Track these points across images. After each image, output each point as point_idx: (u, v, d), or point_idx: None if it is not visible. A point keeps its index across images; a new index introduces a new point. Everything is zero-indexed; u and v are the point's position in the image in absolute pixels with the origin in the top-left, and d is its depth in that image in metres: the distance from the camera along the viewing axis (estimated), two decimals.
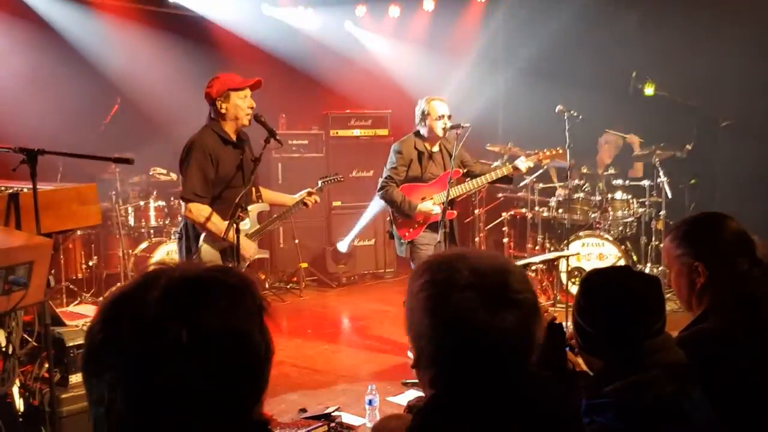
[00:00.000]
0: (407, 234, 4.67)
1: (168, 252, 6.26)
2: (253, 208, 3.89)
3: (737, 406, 1.62)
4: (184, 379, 0.88)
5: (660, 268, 6.00)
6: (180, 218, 6.44)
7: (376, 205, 6.73)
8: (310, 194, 4.05)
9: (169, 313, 0.89)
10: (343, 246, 7.25)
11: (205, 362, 0.89)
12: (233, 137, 3.81)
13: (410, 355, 3.97)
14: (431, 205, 4.60)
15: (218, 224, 3.62)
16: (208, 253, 3.71)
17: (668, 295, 1.96)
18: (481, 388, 1.17)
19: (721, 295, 1.83)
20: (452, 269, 1.20)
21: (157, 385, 0.88)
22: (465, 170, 4.76)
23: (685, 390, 1.48)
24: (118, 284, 6.01)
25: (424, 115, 4.65)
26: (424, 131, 4.70)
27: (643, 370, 1.49)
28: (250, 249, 3.80)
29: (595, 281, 1.67)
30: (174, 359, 0.88)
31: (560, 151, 4.97)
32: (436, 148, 4.74)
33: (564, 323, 1.81)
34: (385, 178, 4.69)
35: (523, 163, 4.63)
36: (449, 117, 4.64)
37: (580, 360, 1.79)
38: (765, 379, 1.69)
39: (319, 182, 4.22)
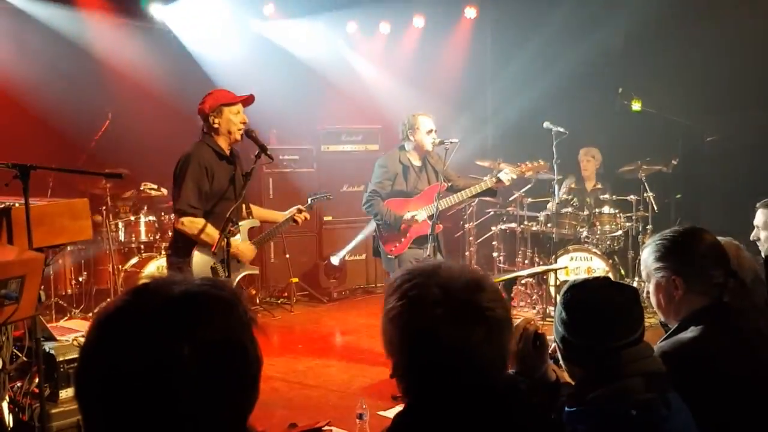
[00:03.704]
0: (393, 249, 4.69)
1: (158, 267, 6.25)
2: (244, 224, 3.92)
3: (714, 414, 1.66)
4: (186, 393, 0.89)
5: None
6: (171, 234, 6.48)
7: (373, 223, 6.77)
8: (300, 211, 4.09)
9: (169, 330, 0.90)
10: (335, 259, 7.28)
11: (207, 375, 0.91)
12: (227, 152, 3.86)
13: None
14: (415, 211, 4.62)
15: (212, 235, 3.64)
16: (199, 262, 3.72)
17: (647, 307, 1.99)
18: (450, 399, 1.22)
19: (697, 307, 1.88)
20: (423, 285, 1.26)
21: (159, 400, 0.89)
22: (449, 184, 4.79)
23: (663, 398, 1.52)
24: (109, 299, 6.00)
25: (413, 130, 4.70)
26: (409, 146, 4.75)
27: (622, 379, 1.53)
28: (248, 251, 3.86)
29: (575, 291, 1.71)
30: (177, 375, 0.89)
31: (543, 164, 5.03)
32: (420, 163, 4.79)
33: (548, 335, 1.84)
34: (370, 192, 4.73)
35: (505, 176, 4.66)
36: (435, 132, 4.70)
37: (564, 374, 1.83)
38: (741, 388, 1.74)
39: (309, 200, 4.25)
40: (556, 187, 6.15)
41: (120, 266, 6.28)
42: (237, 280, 3.87)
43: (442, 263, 1.32)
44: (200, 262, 3.73)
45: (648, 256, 1.98)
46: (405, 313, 1.25)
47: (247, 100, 3.86)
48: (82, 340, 0.98)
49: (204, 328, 0.93)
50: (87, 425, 0.93)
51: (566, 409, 1.55)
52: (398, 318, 1.26)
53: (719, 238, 2.22)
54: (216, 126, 3.79)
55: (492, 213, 7.20)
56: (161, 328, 0.91)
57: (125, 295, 0.97)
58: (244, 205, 3.96)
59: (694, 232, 1.99)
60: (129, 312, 0.93)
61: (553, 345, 1.79)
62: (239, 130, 3.80)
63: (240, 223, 3.85)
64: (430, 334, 1.21)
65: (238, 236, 3.82)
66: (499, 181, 4.66)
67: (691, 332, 1.85)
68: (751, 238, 3.38)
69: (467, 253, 7.21)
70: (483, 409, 1.22)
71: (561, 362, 1.73)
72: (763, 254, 3.30)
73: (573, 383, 1.71)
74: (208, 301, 0.97)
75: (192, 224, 3.69)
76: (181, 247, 3.79)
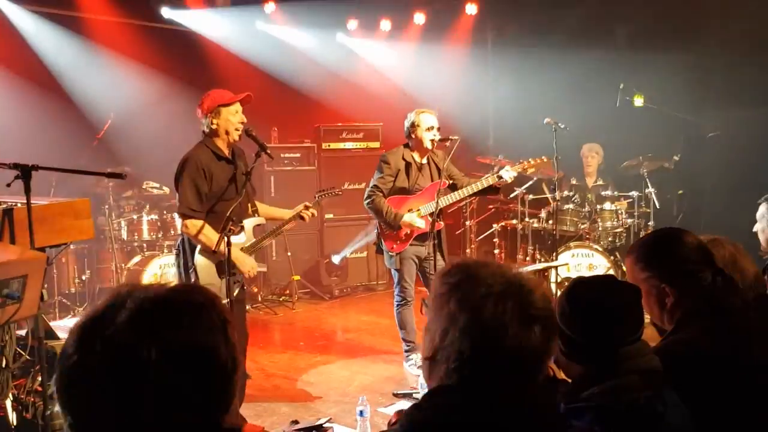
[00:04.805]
0: (395, 246, 4.70)
1: (161, 265, 6.28)
2: (249, 222, 3.92)
3: (711, 411, 1.67)
4: (154, 395, 0.92)
5: None
6: (173, 232, 6.51)
7: (375, 223, 6.79)
8: (306, 208, 4.09)
9: (138, 335, 0.93)
10: (337, 259, 7.30)
11: (174, 378, 0.93)
12: (226, 152, 3.86)
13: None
14: (415, 217, 4.64)
15: (211, 237, 3.65)
16: (204, 266, 3.74)
17: None
18: (496, 389, 1.24)
19: (690, 309, 1.88)
20: (485, 276, 1.29)
21: (129, 402, 0.92)
22: (450, 182, 4.78)
23: (659, 394, 1.53)
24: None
25: (414, 127, 4.70)
26: (412, 143, 4.75)
27: (620, 376, 1.54)
28: (247, 263, 3.81)
29: (579, 289, 1.71)
30: (144, 377, 0.92)
31: (545, 160, 5.01)
32: (424, 160, 4.79)
33: None
34: (372, 187, 4.73)
35: (507, 173, 4.65)
36: (438, 129, 4.69)
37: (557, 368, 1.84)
38: (736, 384, 1.75)
39: (316, 196, 4.25)
40: (557, 184, 6.14)
41: (123, 264, 6.31)
42: (242, 278, 3.88)
43: (489, 261, 1.35)
44: (204, 261, 3.75)
45: (633, 265, 1.96)
46: (472, 300, 1.26)
47: (245, 100, 3.85)
48: (61, 347, 1.01)
49: (171, 332, 0.95)
50: (67, 428, 0.96)
51: (563, 405, 1.56)
52: (463, 303, 1.27)
53: (717, 237, 2.23)
54: (214, 127, 3.79)
55: (493, 210, 7.20)
56: (129, 334, 0.93)
57: (101, 303, 1.00)
58: (249, 204, 3.97)
59: (674, 235, 1.98)
60: (101, 319, 0.96)
61: None
62: (237, 130, 3.80)
63: (245, 221, 3.86)
64: (500, 328, 1.24)
65: (242, 235, 3.84)
66: (500, 178, 4.65)
67: (686, 332, 1.86)
68: (753, 230, 3.40)
69: (468, 250, 7.22)
70: (521, 403, 1.25)
71: (557, 358, 1.74)
72: (762, 245, 3.33)
73: (568, 380, 1.72)
74: (177, 305, 0.99)
75: (194, 226, 3.71)
76: (189, 246, 3.82)
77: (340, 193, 4.42)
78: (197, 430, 0.96)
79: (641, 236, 2.18)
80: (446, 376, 1.27)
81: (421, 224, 4.62)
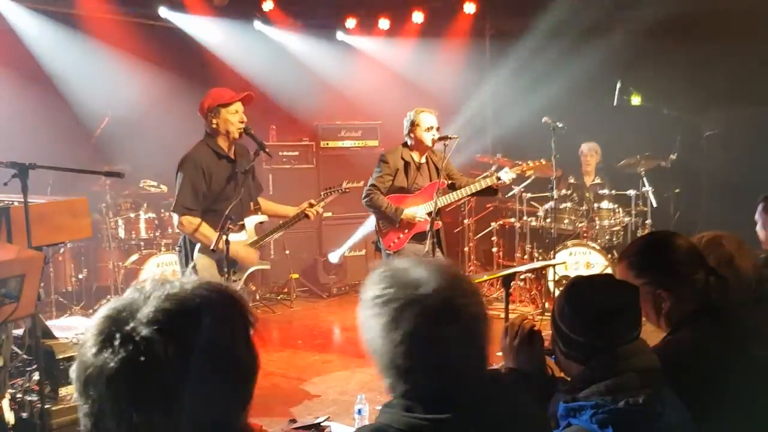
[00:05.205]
0: (392, 244, 4.70)
1: (158, 264, 6.27)
2: (251, 220, 3.92)
3: (709, 410, 1.67)
4: (171, 396, 0.91)
5: None
6: (170, 230, 6.50)
7: (372, 220, 6.79)
8: (311, 205, 4.09)
9: (158, 333, 0.92)
10: (334, 257, 7.30)
11: (192, 378, 0.92)
12: (227, 151, 3.87)
13: None
14: (416, 209, 4.63)
15: (209, 235, 3.66)
16: (203, 263, 3.74)
17: None
18: (429, 395, 1.23)
19: (687, 310, 1.89)
20: (397, 286, 1.27)
21: (145, 401, 0.91)
22: (450, 182, 4.79)
23: (657, 393, 1.53)
24: (108, 297, 5.99)
25: (413, 126, 4.70)
26: (411, 142, 4.75)
27: (618, 375, 1.54)
28: (249, 256, 3.83)
29: (578, 288, 1.71)
30: (162, 376, 0.91)
31: (544, 163, 5.03)
32: (423, 160, 4.79)
33: (545, 330, 1.85)
34: (370, 185, 4.73)
35: (506, 175, 4.67)
36: (437, 129, 4.69)
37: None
38: (733, 384, 1.75)
39: (322, 193, 4.25)
40: (554, 183, 6.15)
41: (120, 263, 6.30)
42: (246, 275, 3.88)
43: (418, 261, 1.31)
44: (204, 258, 3.75)
45: (626, 272, 1.96)
46: (382, 314, 1.26)
47: (246, 99, 3.85)
48: (82, 337, 1.00)
49: (191, 332, 0.94)
50: (82, 418, 0.95)
51: (561, 403, 1.57)
52: (376, 318, 1.27)
53: (719, 234, 2.24)
54: (214, 126, 3.81)
55: (491, 208, 7.21)
56: (149, 332, 0.92)
57: (125, 296, 0.99)
58: (251, 201, 3.97)
59: (667, 239, 1.98)
60: (123, 314, 0.95)
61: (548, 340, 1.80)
62: (237, 129, 3.80)
63: (246, 219, 3.87)
64: (408, 335, 1.22)
65: (243, 233, 3.84)
66: (499, 179, 4.66)
67: (683, 332, 1.87)
68: (756, 229, 3.41)
69: (466, 249, 7.22)
70: (464, 405, 1.23)
71: (556, 357, 1.74)
72: (762, 243, 3.34)
73: (567, 378, 1.72)
74: (200, 304, 0.97)
75: (189, 224, 3.72)
76: (189, 243, 3.82)
77: (348, 190, 4.39)
78: (211, 431, 0.96)
79: (632, 241, 2.18)
80: (388, 392, 1.29)
81: (423, 215, 4.61)
